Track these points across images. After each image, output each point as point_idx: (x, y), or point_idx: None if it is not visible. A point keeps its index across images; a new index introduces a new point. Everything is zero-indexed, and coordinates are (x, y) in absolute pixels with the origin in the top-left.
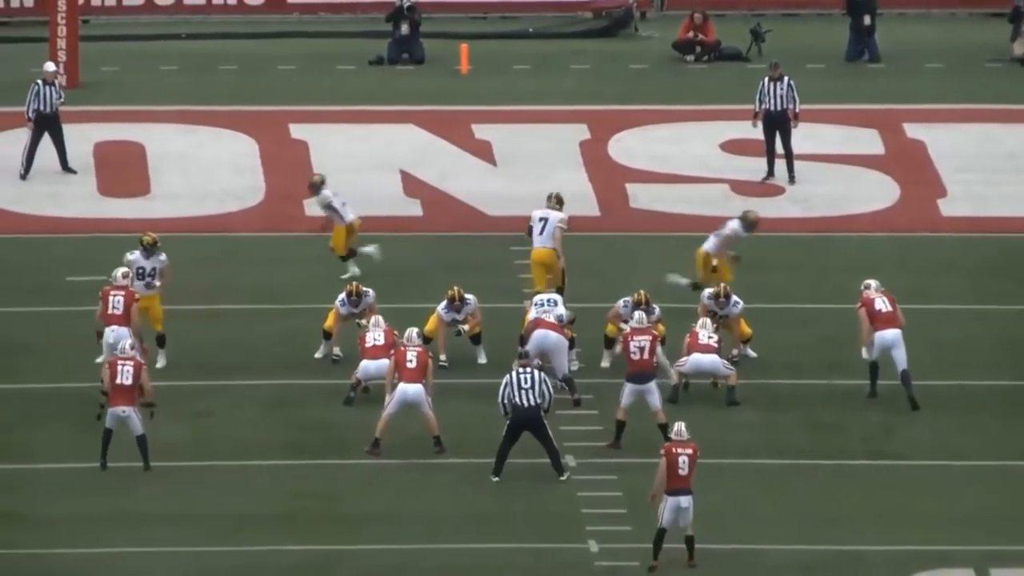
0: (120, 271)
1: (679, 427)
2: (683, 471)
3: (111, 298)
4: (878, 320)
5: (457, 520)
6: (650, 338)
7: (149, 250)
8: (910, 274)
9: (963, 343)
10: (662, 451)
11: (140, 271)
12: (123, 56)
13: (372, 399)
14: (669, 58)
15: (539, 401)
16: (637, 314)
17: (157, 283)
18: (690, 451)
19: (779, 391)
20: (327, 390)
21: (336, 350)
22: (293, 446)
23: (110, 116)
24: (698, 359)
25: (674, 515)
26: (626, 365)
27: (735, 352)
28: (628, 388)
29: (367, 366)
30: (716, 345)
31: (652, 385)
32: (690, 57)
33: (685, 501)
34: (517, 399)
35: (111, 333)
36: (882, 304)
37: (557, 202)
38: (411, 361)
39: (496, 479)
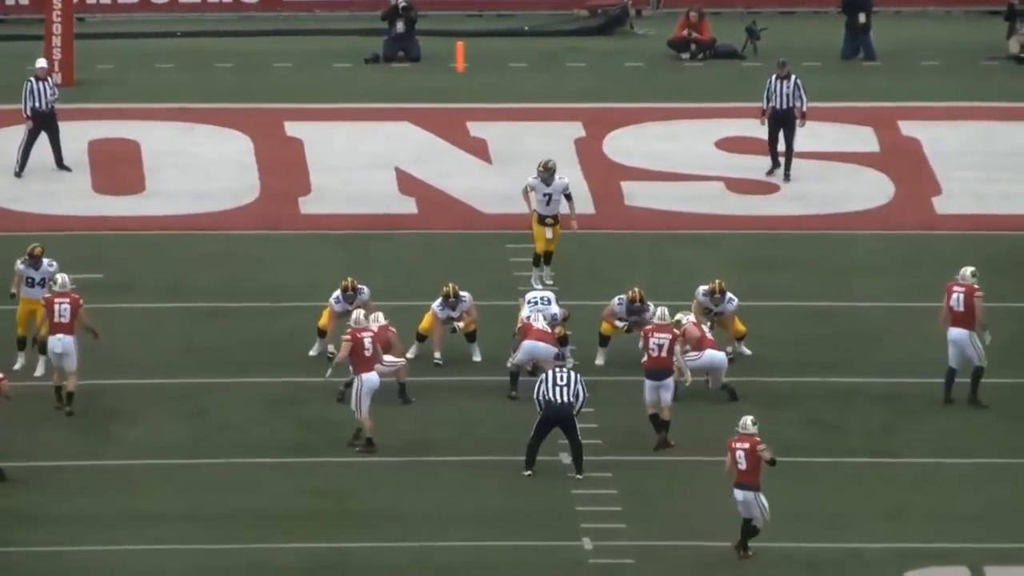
0: (61, 276)
1: (745, 420)
2: (741, 465)
3: (56, 306)
4: (950, 315)
5: (457, 518)
6: (670, 336)
7: (36, 260)
8: (909, 272)
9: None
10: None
11: (29, 280)
12: (118, 54)
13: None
14: (665, 56)
15: (572, 400)
16: (660, 311)
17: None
18: (748, 445)
19: (779, 389)
20: (326, 388)
21: (331, 348)
22: (297, 444)
23: (105, 114)
24: (713, 356)
25: (739, 507)
26: (645, 361)
27: (729, 349)
28: (648, 384)
29: None
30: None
31: (669, 381)
32: (686, 55)
33: (740, 495)
34: (551, 395)
35: (58, 342)
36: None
37: (546, 169)
38: (368, 349)
39: (528, 473)
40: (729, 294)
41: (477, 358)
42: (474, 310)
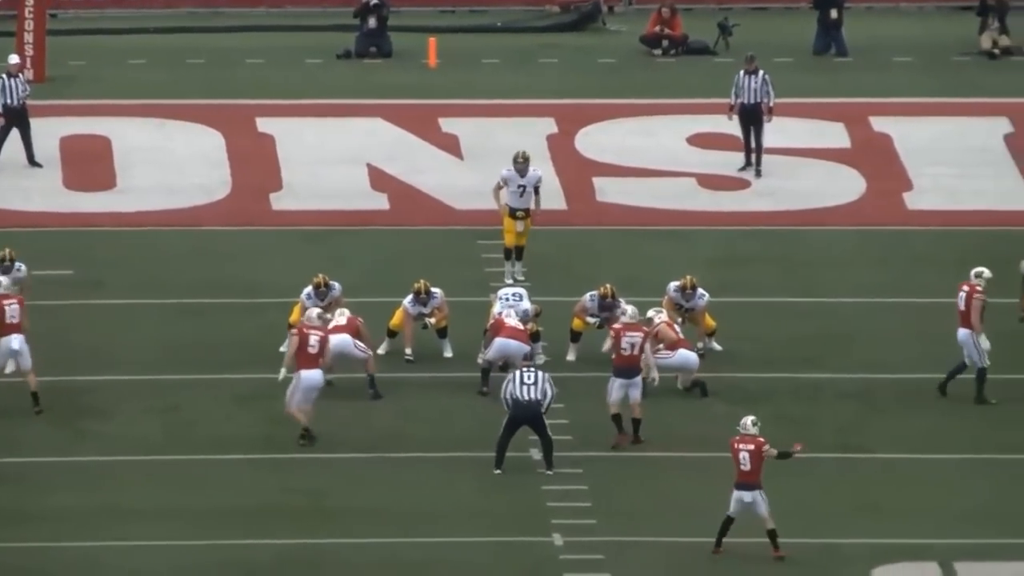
0: (5, 279)
1: (745, 421)
2: (744, 466)
3: (7, 308)
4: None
5: (428, 514)
6: (641, 335)
7: (5, 267)
8: (882, 268)
9: (938, 337)
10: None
11: None
12: (90, 50)
13: (338, 393)
14: (637, 52)
15: (540, 398)
16: (631, 309)
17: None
18: (752, 447)
19: (749, 385)
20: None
21: None
22: (272, 440)
23: (77, 110)
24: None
25: (739, 507)
26: (613, 359)
27: (700, 345)
28: (616, 383)
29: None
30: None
31: (638, 379)
32: (658, 51)
33: (748, 496)
34: (519, 394)
35: (15, 340)
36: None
37: (524, 160)
38: (313, 347)
39: (498, 471)
40: (700, 290)
41: (448, 354)
42: (445, 306)
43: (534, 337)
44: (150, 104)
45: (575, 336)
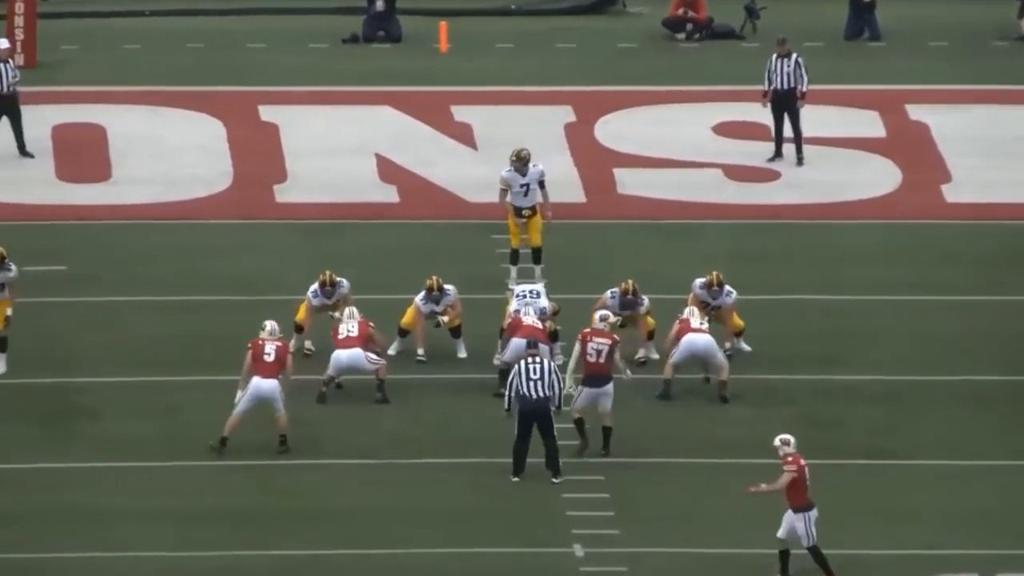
0: None
1: (603, 314)
2: (592, 358)
3: None
4: None
5: (439, 522)
6: (610, 342)
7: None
8: (913, 264)
9: (971, 336)
10: (795, 464)
11: None
12: (83, 34)
13: (346, 396)
14: (659, 36)
15: (548, 393)
16: (598, 315)
17: (6, 293)
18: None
19: (774, 386)
20: (299, 386)
21: (308, 344)
22: (272, 445)
23: (69, 97)
24: (692, 340)
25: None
26: (582, 366)
27: (727, 346)
28: (584, 391)
29: (339, 356)
30: (708, 331)
31: (609, 388)
32: (681, 35)
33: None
34: (524, 390)
35: None
36: None
37: (519, 159)
38: (268, 355)
39: (517, 479)
40: (727, 287)
41: (462, 354)
42: (459, 304)
43: (552, 336)
44: (147, 91)
45: None
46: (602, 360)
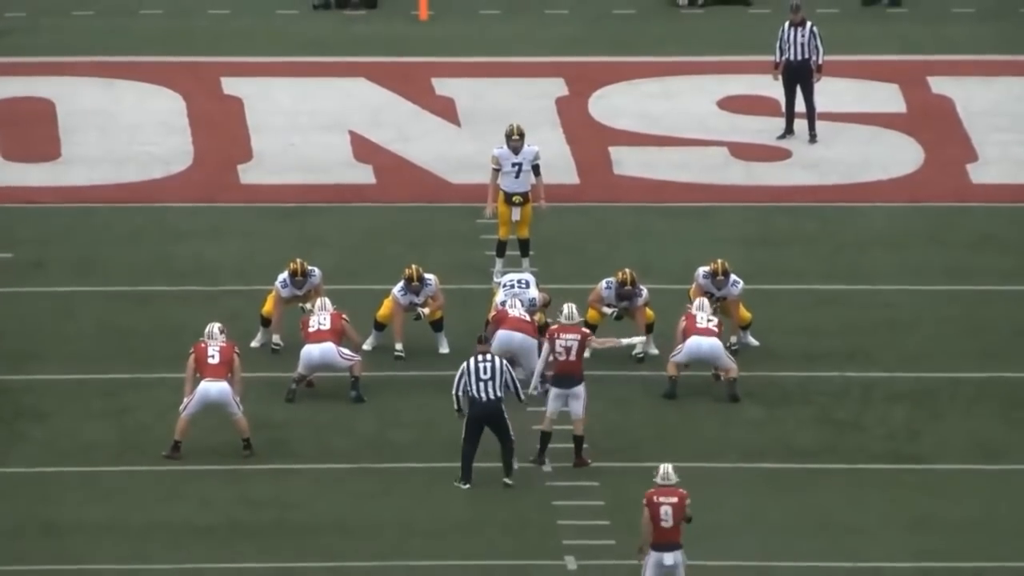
0: None
1: (665, 470)
2: (666, 523)
3: None
4: None
5: (420, 532)
6: (579, 337)
7: None
8: (938, 250)
9: (1003, 328)
10: (644, 500)
11: None
12: (29, 0)
13: (317, 395)
14: (659, 2)
15: (500, 394)
16: (567, 308)
17: None
18: (675, 499)
19: (788, 384)
20: (267, 384)
21: (276, 338)
22: (237, 448)
23: (14, 69)
24: (697, 343)
25: (657, 573)
26: (552, 366)
27: (733, 340)
28: (553, 392)
29: (310, 352)
30: (716, 329)
31: (579, 389)
32: (683, 1)
33: (670, 558)
34: (475, 391)
35: None
36: None
37: (518, 135)
38: (213, 356)
39: (466, 486)
40: (733, 276)
41: (444, 349)
42: (440, 295)
43: (542, 330)
44: (99, 62)
45: (590, 329)
46: (572, 357)
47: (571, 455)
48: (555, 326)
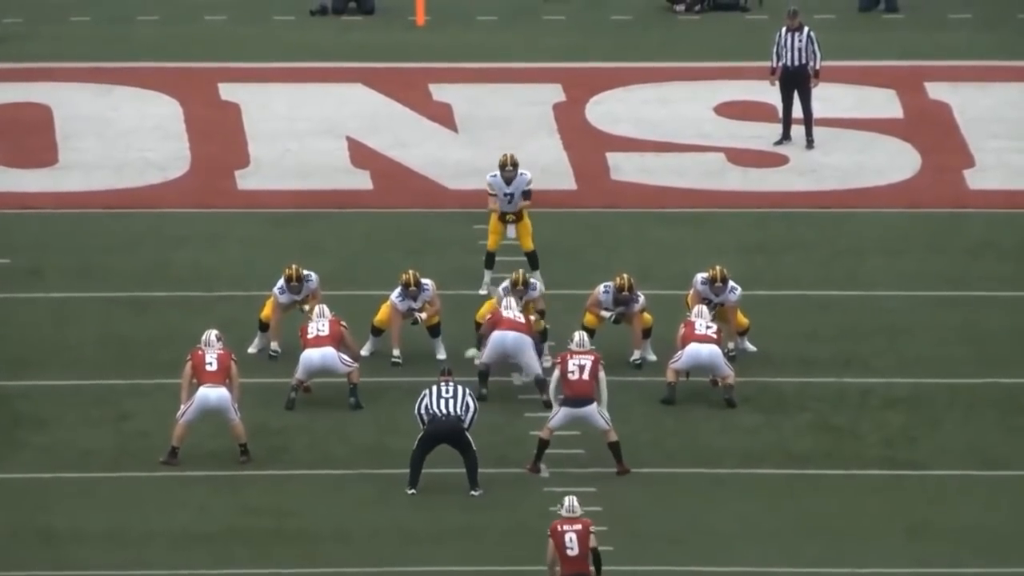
0: None
1: (570, 502)
2: (572, 550)
3: None
4: None
5: (418, 538)
6: (592, 359)
7: None
8: (935, 257)
9: (1001, 334)
10: (549, 531)
11: None
12: (27, 5)
13: (316, 402)
14: (657, 8)
15: (460, 412)
16: (578, 335)
17: None
18: (579, 527)
19: (786, 390)
20: (265, 391)
21: (274, 345)
22: (232, 454)
23: (12, 75)
24: (696, 351)
25: None
26: (562, 387)
27: (731, 346)
28: (562, 411)
29: (309, 357)
30: (716, 336)
31: (591, 409)
32: (680, 7)
33: None
34: (435, 408)
35: None
36: None
37: (512, 166)
38: (211, 364)
39: (412, 492)
40: (731, 282)
41: (441, 355)
42: (438, 300)
43: (542, 336)
44: (96, 67)
45: (588, 334)
46: (585, 376)
47: (571, 461)
48: (565, 352)
